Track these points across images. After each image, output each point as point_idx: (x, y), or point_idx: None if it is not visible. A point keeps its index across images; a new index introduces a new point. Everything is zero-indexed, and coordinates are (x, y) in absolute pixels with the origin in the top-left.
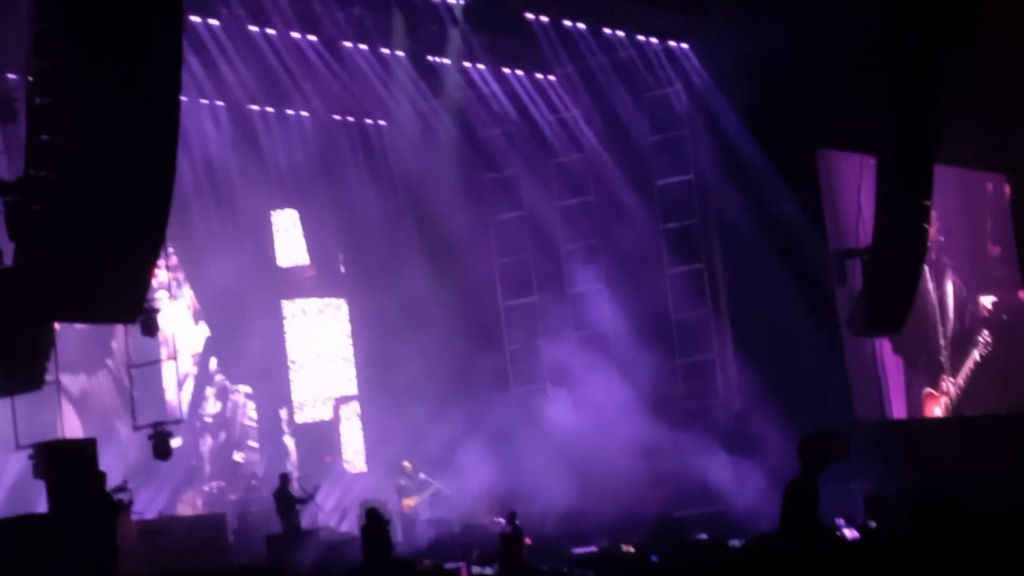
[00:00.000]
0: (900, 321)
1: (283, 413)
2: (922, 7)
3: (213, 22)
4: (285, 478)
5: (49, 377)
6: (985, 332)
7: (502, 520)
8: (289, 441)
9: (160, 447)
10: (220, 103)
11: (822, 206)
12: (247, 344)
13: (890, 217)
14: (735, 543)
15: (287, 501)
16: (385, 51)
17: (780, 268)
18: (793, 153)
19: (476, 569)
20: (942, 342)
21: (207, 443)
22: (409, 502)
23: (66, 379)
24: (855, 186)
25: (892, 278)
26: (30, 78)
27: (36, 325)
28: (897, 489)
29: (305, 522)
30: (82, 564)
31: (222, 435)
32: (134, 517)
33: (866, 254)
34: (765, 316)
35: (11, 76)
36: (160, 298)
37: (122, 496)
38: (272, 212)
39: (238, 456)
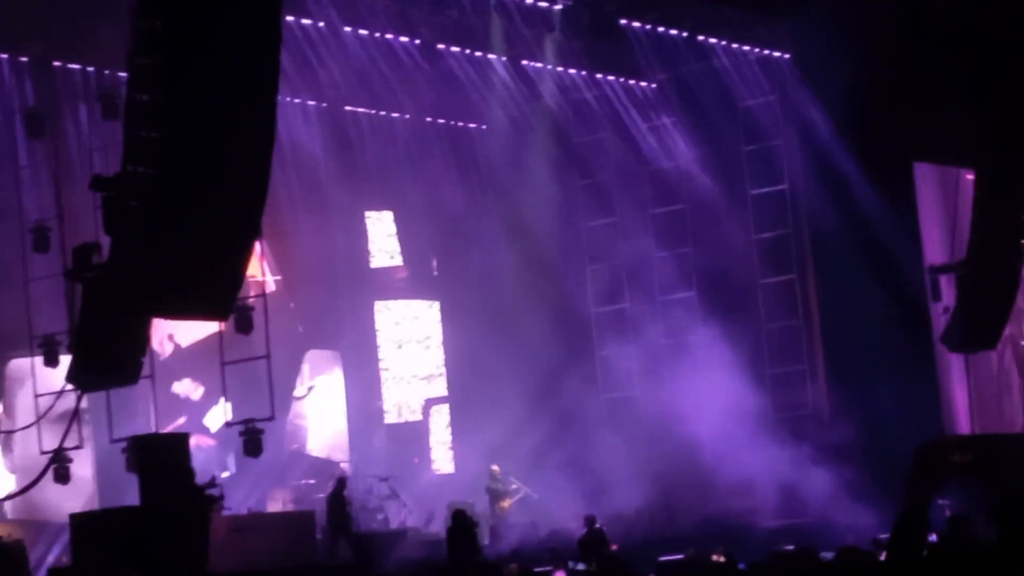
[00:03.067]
0: (994, 338)
1: (372, 413)
2: (1019, 17)
3: (309, 22)
4: (342, 482)
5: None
6: None
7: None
8: (378, 442)
9: (251, 444)
10: (315, 103)
11: (917, 219)
12: (338, 343)
13: (986, 231)
14: (826, 556)
15: (340, 505)
16: (481, 55)
17: (873, 281)
18: (889, 165)
19: (571, 564)
20: None
21: (297, 441)
22: (504, 504)
23: None
24: (951, 199)
25: (987, 294)
26: (130, 75)
27: (132, 320)
28: (985, 505)
29: (393, 523)
30: (173, 558)
31: (312, 434)
32: (224, 513)
33: (961, 269)
34: (857, 329)
35: (120, 74)
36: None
37: (212, 492)
38: (366, 213)
39: (328, 456)
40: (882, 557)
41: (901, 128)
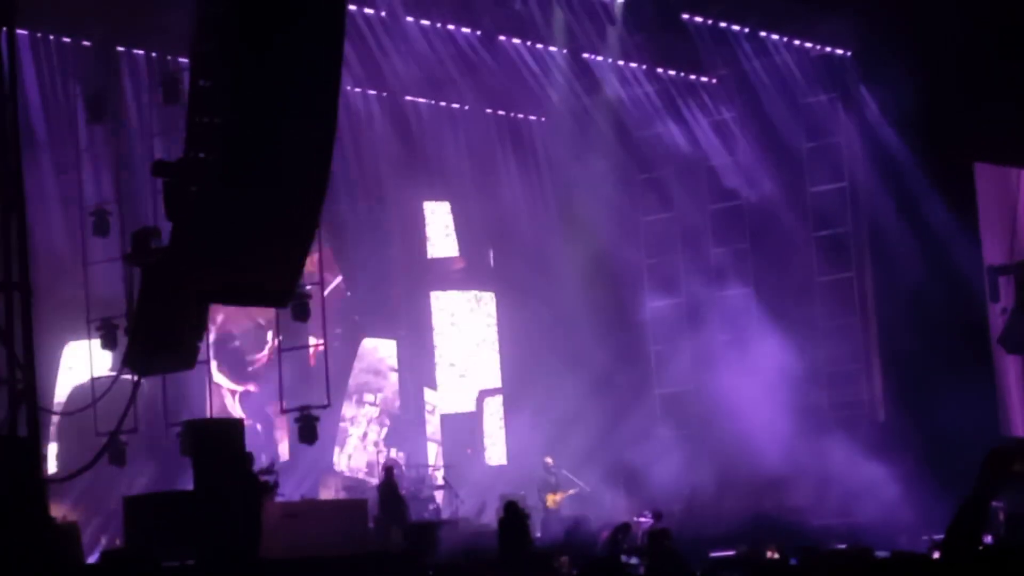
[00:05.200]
0: None
1: (427, 404)
2: None
3: (372, 12)
4: (390, 471)
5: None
6: None
7: (644, 519)
8: (432, 432)
9: (306, 431)
10: (377, 93)
11: (977, 220)
12: (394, 333)
13: None
14: (882, 554)
15: (392, 493)
16: (542, 47)
17: (931, 280)
18: (949, 164)
19: (624, 558)
20: None
21: (352, 429)
22: (555, 497)
23: None
24: (1011, 201)
25: None
26: (192, 61)
27: (190, 305)
28: None
29: (445, 513)
30: (225, 543)
31: (367, 421)
32: (277, 499)
33: (1019, 270)
34: (914, 328)
35: (179, 59)
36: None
37: (268, 478)
38: (424, 203)
39: (382, 444)
40: (935, 556)
41: (962, 128)
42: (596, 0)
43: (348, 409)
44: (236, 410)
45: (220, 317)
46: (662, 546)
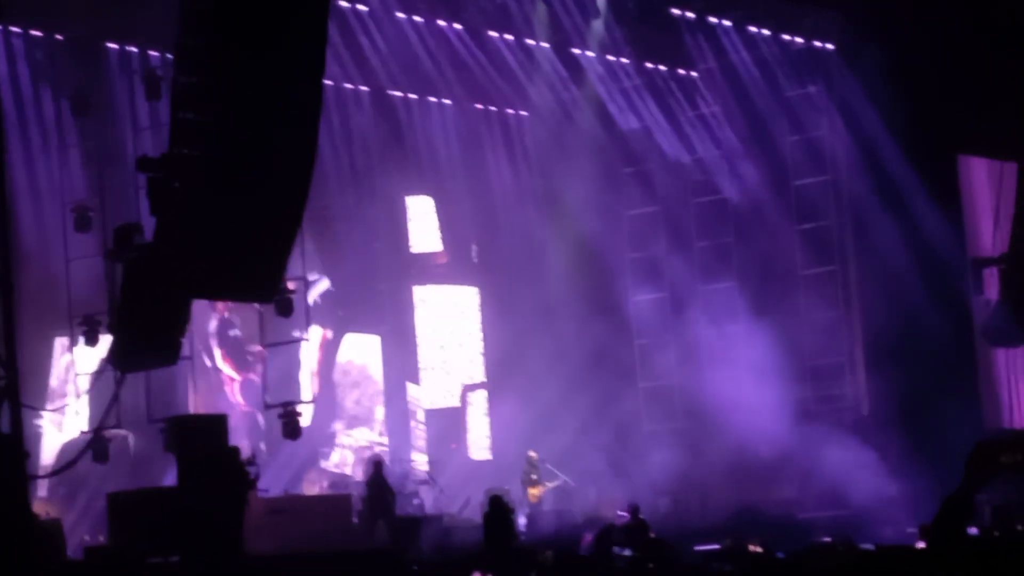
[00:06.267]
0: None
1: (410, 398)
2: None
3: (360, 7)
4: (379, 465)
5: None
6: None
7: (624, 513)
8: (416, 426)
9: (290, 426)
10: (363, 87)
11: (961, 212)
12: (377, 328)
13: None
14: (867, 547)
15: (381, 488)
16: (528, 41)
17: (915, 273)
18: (933, 158)
19: (616, 550)
20: None
21: (334, 424)
22: (535, 492)
23: None
24: (995, 193)
25: None
26: (176, 57)
27: (173, 301)
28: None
29: (429, 508)
30: (209, 539)
31: (349, 418)
32: (260, 494)
33: (1003, 263)
34: (898, 321)
35: (155, 54)
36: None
37: (249, 470)
38: (407, 197)
39: (365, 439)
40: (918, 545)
41: (945, 120)
42: None
43: (332, 405)
44: (238, 399)
45: (220, 304)
46: (646, 539)
